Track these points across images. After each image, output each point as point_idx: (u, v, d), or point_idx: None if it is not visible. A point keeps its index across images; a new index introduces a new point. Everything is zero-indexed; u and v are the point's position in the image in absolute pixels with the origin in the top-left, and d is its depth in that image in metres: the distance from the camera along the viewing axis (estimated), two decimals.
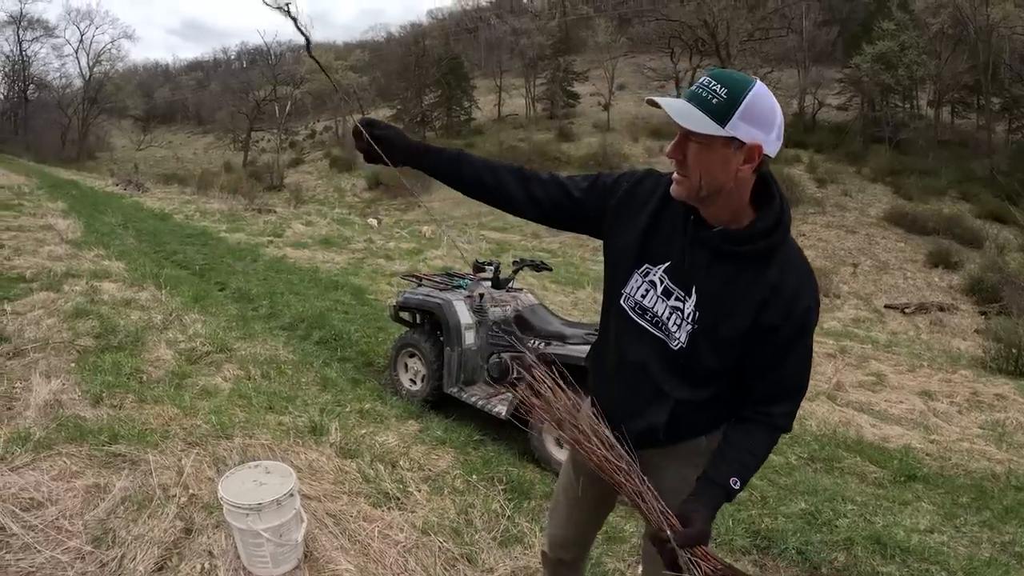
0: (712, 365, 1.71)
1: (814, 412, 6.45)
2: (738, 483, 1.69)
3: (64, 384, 4.17)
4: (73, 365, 4.66)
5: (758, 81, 1.54)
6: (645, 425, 1.80)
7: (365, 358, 6.23)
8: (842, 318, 17.35)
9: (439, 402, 5.03)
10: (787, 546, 3.53)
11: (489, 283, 5.24)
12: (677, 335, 1.72)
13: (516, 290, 5.29)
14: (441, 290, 5.15)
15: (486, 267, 5.41)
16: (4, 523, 2.67)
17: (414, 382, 5.27)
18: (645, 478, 1.72)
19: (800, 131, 43.84)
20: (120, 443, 3.46)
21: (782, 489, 4.37)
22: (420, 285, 5.42)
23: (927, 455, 5.74)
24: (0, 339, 4.91)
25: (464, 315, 4.90)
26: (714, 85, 1.52)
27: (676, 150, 1.62)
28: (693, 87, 1.56)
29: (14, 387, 4.10)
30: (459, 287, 5.19)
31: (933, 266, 26.78)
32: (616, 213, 1.83)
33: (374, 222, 21.36)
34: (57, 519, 2.79)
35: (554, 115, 55.90)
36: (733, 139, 1.52)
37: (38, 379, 4.12)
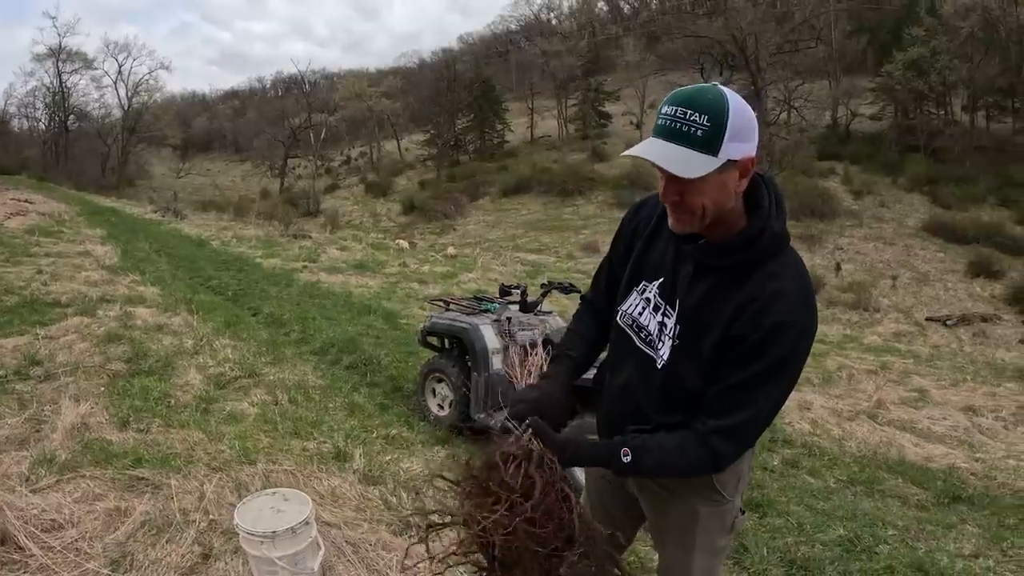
0: (695, 387, 1.61)
1: (854, 432, 6.27)
2: (629, 457, 1.61)
3: (92, 408, 4.22)
4: (103, 389, 4.72)
5: (724, 89, 1.45)
6: None
7: (394, 383, 6.17)
8: (883, 332, 16.93)
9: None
10: None
11: (517, 307, 5.18)
12: (662, 352, 1.66)
13: (545, 313, 5.21)
14: (468, 314, 5.10)
15: (512, 290, 5.35)
16: (24, 544, 2.68)
17: (442, 407, 5.21)
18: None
19: (834, 143, 43.87)
20: (144, 467, 3.48)
21: (819, 515, 4.21)
22: (448, 309, 5.37)
23: (972, 474, 5.54)
24: (32, 363, 5.00)
25: (491, 339, 4.82)
26: (692, 115, 1.42)
27: (671, 192, 1.52)
28: (664, 120, 1.46)
29: (43, 410, 4.16)
30: (487, 311, 5.12)
31: (974, 276, 26.48)
32: (629, 246, 1.83)
33: (404, 244, 21.46)
34: (76, 541, 2.79)
35: (587, 135, 56.41)
36: (728, 161, 1.45)
37: (67, 403, 4.18)
